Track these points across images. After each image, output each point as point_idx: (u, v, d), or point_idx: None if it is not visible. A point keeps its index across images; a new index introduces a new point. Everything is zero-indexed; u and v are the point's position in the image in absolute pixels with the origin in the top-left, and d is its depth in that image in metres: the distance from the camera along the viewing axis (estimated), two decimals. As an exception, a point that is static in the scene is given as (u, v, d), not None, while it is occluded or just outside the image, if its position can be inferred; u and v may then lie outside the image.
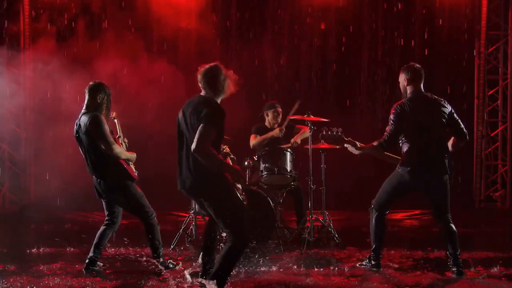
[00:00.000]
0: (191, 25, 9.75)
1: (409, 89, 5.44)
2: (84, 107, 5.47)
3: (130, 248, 6.59)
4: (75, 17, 9.75)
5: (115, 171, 5.41)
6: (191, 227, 7.05)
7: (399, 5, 10.08)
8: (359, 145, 5.50)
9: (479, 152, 10.30)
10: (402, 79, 5.49)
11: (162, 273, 5.35)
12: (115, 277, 5.35)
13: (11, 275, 5.36)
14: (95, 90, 5.45)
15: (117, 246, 6.64)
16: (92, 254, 5.57)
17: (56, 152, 9.05)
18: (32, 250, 6.58)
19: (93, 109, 5.41)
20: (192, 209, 6.97)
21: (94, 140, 5.33)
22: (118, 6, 9.77)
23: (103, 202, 5.67)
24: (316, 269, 5.57)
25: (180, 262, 5.82)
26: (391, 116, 5.35)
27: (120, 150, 5.44)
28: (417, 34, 10.14)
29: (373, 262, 5.61)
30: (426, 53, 10.04)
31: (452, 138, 5.51)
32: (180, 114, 4.69)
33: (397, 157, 5.56)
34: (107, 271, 5.59)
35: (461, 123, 5.46)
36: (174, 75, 9.02)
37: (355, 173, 9.46)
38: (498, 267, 5.58)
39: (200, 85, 4.73)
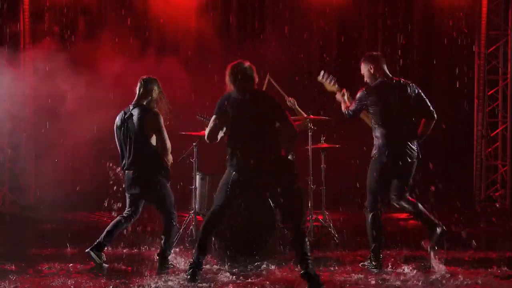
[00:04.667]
0: (191, 23, 9.75)
1: (377, 76, 5.60)
2: (136, 99, 5.51)
3: (130, 248, 6.59)
4: (75, 17, 9.75)
5: (159, 167, 5.46)
6: (191, 227, 7.05)
7: (399, 5, 10.09)
8: (346, 97, 5.79)
9: (479, 152, 10.30)
10: (366, 69, 5.67)
11: (164, 274, 5.37)
12: (115, 277, 5.34)
13: (11, 275, 5.36)
14: (150, 83, 5.51)
15: (118, 246, 6.64)
16: (102, 240, 5.60)
17: (56, 152, 9.04)
18: (32, 250, 6.58)
19: (146, 102, 5.46)
20: (192, 209, 6.97)
21: (147, 133, 5.36)
22: (117, 6, 9.77)
23: (128, 198, 5.67)
24: (316, 269, 5.56)
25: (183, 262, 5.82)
26: (357, 95, 5.59)
27: (170, 148, 5.49)
28: (417, 33, 10.14)
29: (373, 263, 5.61)
30: (426, 53, 10.04)
31: (422, 120, 5.64)
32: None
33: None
34: (107, 271, 5.59)
35: (428, 102, 5.61)
36: (175, 74, 9.02)
37: (355, 173, 9.45)
38: (498, 267, 5.58)
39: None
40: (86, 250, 5.60)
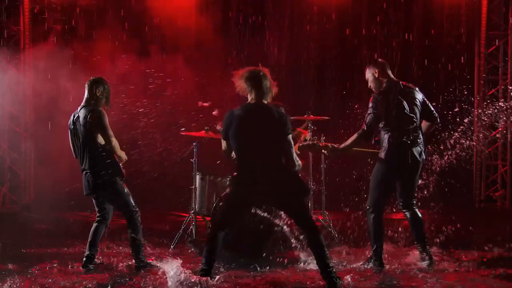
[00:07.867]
0: (191, 22, 9.75)
1: (382, 80, 5.61)
2: (83, 101, 5.54)
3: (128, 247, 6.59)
4: (75, 16, 9.75)
5: (107, 165, 5.46)
6: (191, 227, 7.04)
7: (399, 5, 10.08)
8: (336, 146, 5.65)
9: (479, 152, 10.30)
10: (371, 73, 5.67)
11: (144, 272, 5.41)
12: (114, 276, 5.35)
13: (11, 275, 5.36)
14: (95, 84, 5.54)
15: (116, 245, 6.64)
16: (89, 252, 5.62)
17: (56, 152, 9.03)
18: (32, 250, 6.58)
19: (93, 102, 5.49)
20: (192, 209, 6.97)
21: (92, 132, 5.39)
22: (118, 6, 9.77)
23: (93, 200, 5.71)
24: (316, 269, 5.55)
25: (181, 261, 5.80)
26: (371, 104, 5.50)
27: (117, 144, 5.50)
28: (417, 34, 10.14)
29: (376, 262, 5.61)
30: (426, 53, 10.04)
31: (423, 122, 5.70)
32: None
33: (369, 150, 5.75)
34: (105, 270, 5.59)
35: (432, 107, 5.70)
36: (175, 73, 9.02)
37: (355, 173, 9.44)
38: (498, 267, 5.58)
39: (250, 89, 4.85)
40: (82, 267, 5.60)
